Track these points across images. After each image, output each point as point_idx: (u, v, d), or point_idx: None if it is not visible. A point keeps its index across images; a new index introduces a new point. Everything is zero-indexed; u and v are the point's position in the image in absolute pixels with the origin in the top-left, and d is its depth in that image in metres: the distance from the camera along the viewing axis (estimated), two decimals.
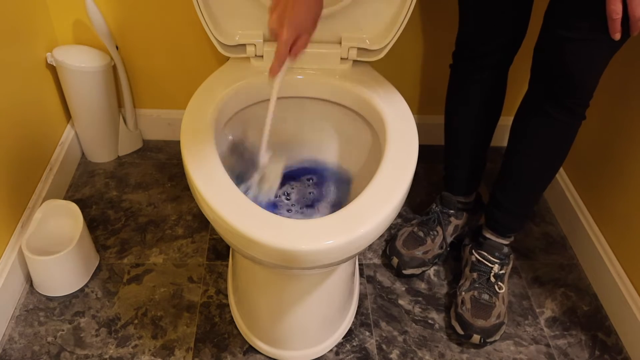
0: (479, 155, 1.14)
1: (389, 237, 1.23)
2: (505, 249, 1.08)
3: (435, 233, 1.15)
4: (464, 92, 1.07)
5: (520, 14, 0.95)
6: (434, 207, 1.19)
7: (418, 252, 1.13)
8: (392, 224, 0.99)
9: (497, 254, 1.07)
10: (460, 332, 1.02)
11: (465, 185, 1.17)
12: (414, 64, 1.37)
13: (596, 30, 0.80)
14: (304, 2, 0.71)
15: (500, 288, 1.05)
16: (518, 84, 1.28)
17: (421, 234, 1.15)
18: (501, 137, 1.49)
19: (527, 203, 1.07)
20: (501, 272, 1.07)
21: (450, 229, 1.17)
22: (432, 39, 1.32)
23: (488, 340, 1.01)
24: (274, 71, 0.74)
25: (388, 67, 1.37)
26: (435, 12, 1.27)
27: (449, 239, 1.17)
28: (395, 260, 1.13)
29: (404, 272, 1.13)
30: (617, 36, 0.78)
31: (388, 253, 1.16)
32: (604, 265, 1.14)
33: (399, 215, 1.29)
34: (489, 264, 1.07)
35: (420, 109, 1.47)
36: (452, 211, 1.17)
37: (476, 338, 1.00)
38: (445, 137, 1.14)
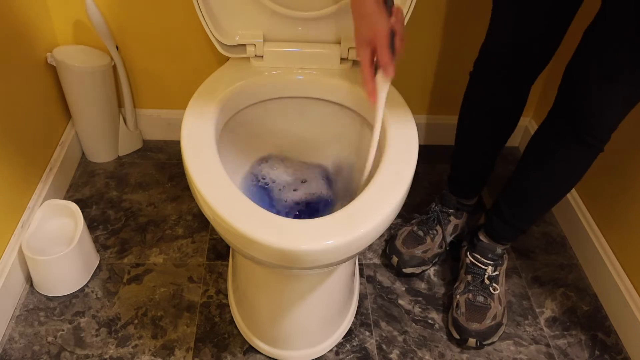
0: (488, 162, 1.12)
1: (389, 236, 1.23)
2: (499, 250, 1.08)
3: (435, 232, 1.15)
4: (482, 101, 1.03)
5: (556, 34, 0.91)
6: (433, 206, 1.18)
7: (418, 251, 1.13)
8: (392, 224, 0.98)
9: (490, 255, 1.07)
10: (456, 336, 1.02)
11: (469, 189, 1.17)
12: (413, 64, 1.37)
13: (629, 70, 0.77)
14: (359, 17, 0.70)
15: (495, 289, 1.05)
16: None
17: (421, 233, 1.15)
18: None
19: (530, 220, 1.06)
20: (494, 273, 1.07)
21: (450, 228, 1.17)
22: (432, 39, 1.32)
23: (484, 343, 1.01)
24: (371, 95, 0.74)
25: None
26: (436, 12, 1.27)
27: (449, 239, 1.17)
28: (395, 259, 1.13)
29: (404, 270, 1.13)
30: None
31: (388, 252, 1.16)
32: (604, 265, 1.14)
33: (399, 215, 1.29)
34: (482, 266, 1.07)
35: (420, 109, 1.47)
36: (451, 210, 1.17)
37: (472, 342, 1.00)
38: (456, 140, 1.12)
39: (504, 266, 1.10)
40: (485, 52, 0.99)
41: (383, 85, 0.75)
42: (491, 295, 1.05)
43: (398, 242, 1.15)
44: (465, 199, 1.17)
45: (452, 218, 1.17)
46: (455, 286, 1.10)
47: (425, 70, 1.38)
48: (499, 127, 1.06)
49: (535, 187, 0.99)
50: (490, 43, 0.97)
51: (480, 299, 1.04)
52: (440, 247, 1.16)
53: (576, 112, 0.86)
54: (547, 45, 0.92)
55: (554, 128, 0.93)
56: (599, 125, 0.86)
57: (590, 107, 0.84)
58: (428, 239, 1.15)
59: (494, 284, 1.06)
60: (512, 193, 1.04)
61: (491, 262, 1.07)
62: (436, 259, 1.16)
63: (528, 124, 1.50)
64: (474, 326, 1.01)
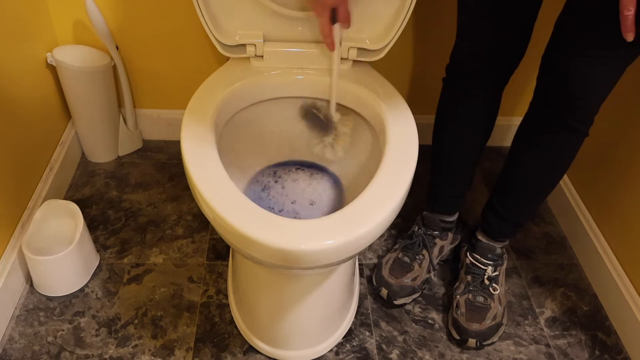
0: (467, 174, 1.10)
1: (374, 265, 1.18)
2: (498, 250, 1.08)
3: (422, 257, 1.11)
4: (456, 109, 1.02)
5: (523, 34, 0.92)
6: (416, 229, 1.14)
7: (407, 280, 1.08)
8: (392, 224, 0.98)
9: (489, 255, 1.07)
10: (457, 336, 1.02)
11: (450, 204, 1.13)
12: (414, 64, 1.37)
13: (606, 50, 0.78)
14: None
15: (495, 289, 1.05)
16: (515, 84, 1.28)
17: (407, 259, 1.10)
18: (500, 137, 1.50)
19: (524, 213, 1.06)
20: (494, 273, 1.07)
21: (436, 250, 1.13)
22: (432, 38, 1.32)
23: (484, 343, 1.01)
24: (329, 46, 0.91)
25: (388, 67, 1.37)
26: (436, 12, 1.27)
27: (435, 261, 1.14)
28: (384, 292, 1.07)
29: (395, 302, 1.07)
30: (630, 37, 0.73)
31: (375, 283, 1.09)
32: (604, 265, 1.14)
33: (399, 215, 1.28)
34: (482, 267, 1.07)
35: (420, 109, 1.46)
36: (436, 232, 1.13)
37: (472, 342, 1.00)
38: (432, 154, 1.09)
39: (504, 266, 1.10)
40: (454, 57, 0.98)
41: (338, 36, 0.91)
42: (491, 295, 1.05)
43: (385, 272, 1.09)
44: (447, 214, 1.14)
45: (437, 240, 1.13)
46: (455, 286, 1.10)
47: (416, 70, 1.38)
48: (475, 133, 1.04)
49: (524, 178, 0.99)
50: (458, 48, 0.97)
51: (480, 299, 1.04)
52: (429, 271, 1.11)
53: (557, 96, 0.88)
54: (518, 44, 0.93)
55: (538, 117, 0.94)
56: (580, 107, 0.87)
57: (569, 89, 0.85)
58: (415, 265, 1.09)
59: (493, 284, 1.06)
60: (503, 187, 1.05)
61: (491, 263, 1.07)
62: (425, 285, 1.12)
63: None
64: (474, 327, 1.00)
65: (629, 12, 0.71)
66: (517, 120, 1.49)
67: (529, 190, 1.01)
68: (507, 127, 1.45)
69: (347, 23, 0.90)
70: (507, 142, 1.54)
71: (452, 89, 1.01)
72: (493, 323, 1.02)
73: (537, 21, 0.91)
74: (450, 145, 1.06)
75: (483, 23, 0.90)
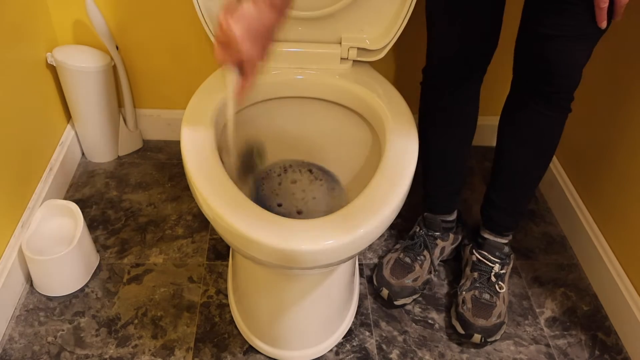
0: (457, 171, 1.10)
1: (374, 265, 1.18)
2: (506, 249, 1.08)
3: (423, 258, 1.11)
4: (436, 110, 1.02)
5: (493, 27, 0.92)
6: (418, 230, 1.14)
7: (408, 281, 1.07)
8: (392, 224, 0.98)
9: (497, 253, 1.08)
10: (461, 331, 1.02)
11: (447, 203, 1.13)
12: (414, 64, 1.37)
13: (578, 24, 0.80)
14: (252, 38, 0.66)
15: (500, 288, 1.05)
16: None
17: (408, 260, 1.10)
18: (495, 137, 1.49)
19: (520, 200, 1.06)
20: (502, 271, 1.07)
21: (437, 251, 1.13)
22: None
23: (489, 340, 1.01)
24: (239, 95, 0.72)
25: (388, 67, 1.38)
26: None
27: (436, 262, 1.14)
28: (385, 292, 1.07)
29: (395, 303, 1.07)
30: (604, 24, 0.78)
31: (376, 284, 1.09)
32: (604, 265, 1.14)
33: (399, 215, 1.28)
34: (490, 264, 1.07)
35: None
36: (437, 233, 1.13)
37: (477, 337, 1.00)
38: (421, 157, 1.07)
39: (511, 265, 1.10)
40: (431, 57, 0.98)
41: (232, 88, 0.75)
42: (497, 293, 1.05)
43: (386, 272, 1.09)
44: (446, 214, 1.14)
45: (438, 241, 1.13)
46: (460, 284, 1.09)
47: (416, 70, 1.38)
48: (459, 132, 1.05)
49: (513, 161, 1.00)
50: (434, 48, 0.96)
51: (486, 296, 1.04)
52: (430, 272, 1.11)
53: (535, 73, 0.89)
54: (490, 38, 0.94)
55: (519, 94, 0.95)
56: (560, 79, 0.88)
57: (548, 62, 0.86)
58: (417, 266, 1.09)
59: (500, 282, 1.06)
60: (497, 178, 1.05)
61: (498, 260, 1.07)
62: (426, 286, 1.12)
63: None
64: (480, 322, 1.00)
65: (604, 4, 0.75)
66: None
67: (519, 173, 1.02)
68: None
69: (248, 83, 0.70)
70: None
71: (431, 89, 1.01)
72: (498, 321, 1.02)
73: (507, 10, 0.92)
74: (437, 145, 1.06)
75: (454, 21, 0.91)
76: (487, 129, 1.41)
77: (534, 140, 0.97)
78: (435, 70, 0.99)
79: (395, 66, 1.36)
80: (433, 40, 0.96)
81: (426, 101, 1.04)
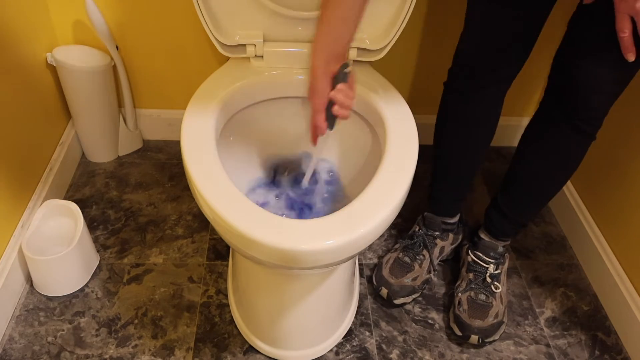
0: (468, 178, 1.10)
1: (374, 265, 1.18)
2: (500, 249, 1.08)
3: (422, 257, 1.10)
4: (459, 112, 1.01)
5: (528, 37, 0.90)
6: (417, 230, 1.14)
7: (407, 280, 1.07)
8: (392, 224, 0.98)
9: (492, 254, 1.07)
10: (459, 333, 1.02)
11: (452, 207, 1.13)
12: (414, 64, 1.37)
13: (616, 52, 0.77)
14: (313, 91, 0.75)
15: (496, 288, 1.05)
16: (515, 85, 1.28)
17: (407, 259, 1.10)
18: (499, 137, 1.49)
19: (527, 213, 1.07)
20: (497, 272, 1.07)
21: (437, 251, 1.13)
22: (432, 38, 1.32)
23: (487, 340, 1.01)
24: (314, 139, 0.82)
25: (388, 67, 1.37)
26: (435, 12, 1.27)
27: (436, 262, 1.14)
28: (384, 291, 1.07)
29: (395, 302, 1.07)
30: (631, 57, 0.75)
31: (375, 283, 1.09)
32: (604, 265, 1.14)
33: (399, 215, 1.28)
34: (484, 265, 1.07)
35: (420, 109, 1.46)
36: (437, 233, 1.13)
37: (474, 339, 1.00)
38: (433, 159, 1.09)
39: (506, 265, 1.10)
40: (458, 59, 0.97)
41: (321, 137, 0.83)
42: (493, 293, 1.05)
43: (385, 272, 1.09)
44: (448, 217, 1.14)
45: (438, 241, 1.13)
46: (456, 285, 1.09)
47: (416, 70, 1.38)
48: (477, 136, 1.03)
49: (531, 179, 0.99)
50: (462, 49, 0.95)
51: (482, 297, 1.04)
52: (429, 272, 1.11)
53: (567, 97, 0.88)
54: (521, 48, 0.91)
55: (546, 116, 0.94)
56: (589, 109, 0.87)
57: (579, 90, 0.85)
58: (416, 265, 1.09)
59: (495, 282, 1.06)
60: (509, 187, 1.05)
61: (493, 261, 1.07)
62: (425, 285, 1.12)
63: None
64: (477, 323, 1.00)
65: (624, 34, 0.73)
66: (514, 120, 1.50)
67: (533, 190, 1.01)
68: (505, 127, 1.45)
69: (321, 131, 0.79)
70: (506, 142, 1.54)
71: (455, 92, 0.99)
72: (495, 321, 1.02)
73: (550, 19, 0.89)
74: (453, 149, 1.05)
75: (488, 24, 0.89)
76: (498, 129, 1.40)
77: (553, 161, 0.95)
78: (463, 71, 0.96)
79: (396, 66, 1.36)
80: (467, 37, 0.93)
81: (447, 103, 1.02)
